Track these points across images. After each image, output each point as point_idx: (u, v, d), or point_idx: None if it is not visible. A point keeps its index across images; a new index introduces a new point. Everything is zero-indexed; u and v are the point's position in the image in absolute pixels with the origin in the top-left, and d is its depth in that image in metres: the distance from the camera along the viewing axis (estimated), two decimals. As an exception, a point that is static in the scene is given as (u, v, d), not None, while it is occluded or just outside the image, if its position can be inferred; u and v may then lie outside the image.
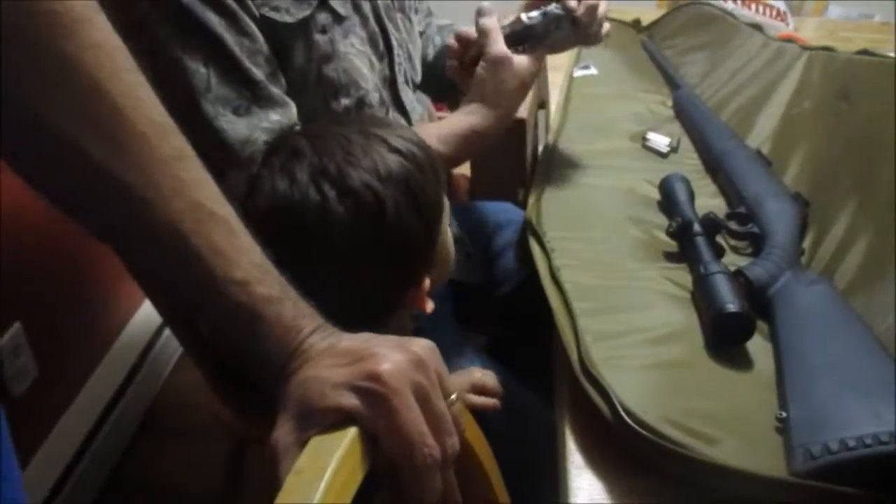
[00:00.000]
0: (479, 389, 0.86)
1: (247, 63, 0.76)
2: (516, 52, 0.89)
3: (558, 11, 0.89)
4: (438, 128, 0.90)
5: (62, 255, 1.43)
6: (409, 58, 1.00)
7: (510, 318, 1.17)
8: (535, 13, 0.90)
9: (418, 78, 1.04)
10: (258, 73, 0.77)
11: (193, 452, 1.55)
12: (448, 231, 0.79)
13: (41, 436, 1.38)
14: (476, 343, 1.12)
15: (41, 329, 1.35)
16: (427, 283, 0.75)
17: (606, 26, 0.94)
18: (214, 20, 0.74)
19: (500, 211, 1.30)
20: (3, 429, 0.47)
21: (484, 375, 0.87)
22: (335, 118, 0.82)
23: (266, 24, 0.78)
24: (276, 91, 0.79)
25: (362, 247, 0.68)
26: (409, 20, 1.03)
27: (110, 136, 0.44)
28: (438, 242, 0.75)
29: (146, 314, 1.73)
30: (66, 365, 1.45)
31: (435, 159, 0.74)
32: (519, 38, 0.90)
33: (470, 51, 0.94)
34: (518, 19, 0.91)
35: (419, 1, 1.09)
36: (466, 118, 0.89)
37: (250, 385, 0.97)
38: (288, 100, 0.81)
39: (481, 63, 0.89)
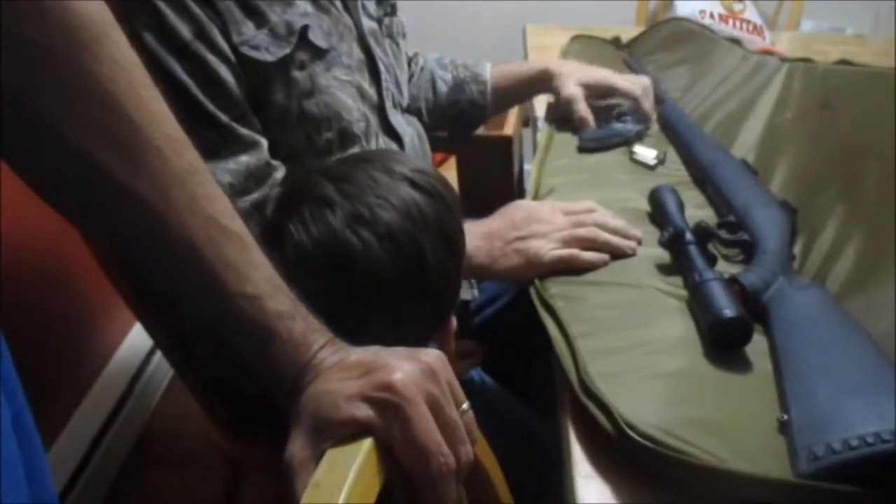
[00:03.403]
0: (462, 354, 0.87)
1: (212, 108, 0.76)
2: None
3: (629, 131, 1.08)
4: None
5: (48, 283, 1.42)
6: (397, 82, 1.01)
7: (501, 334, 1.17)
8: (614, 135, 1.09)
9: (405, 102, 1.05)
10: (224, 117, 0.77)
11: (186, 480, 1.52)
12: None
13: (30, 468, 1.36)
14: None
15: (28, 358, 1.32)
16: (454, 321, 0.76)
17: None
18: (177, 67, 0.74)
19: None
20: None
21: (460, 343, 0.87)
22: (358, 155, 0.80)
23: (245, 62, 0.79)
24: (245, 132, 0.79)
25: (405, 289, 0.68)
26: (397, 44, 1.05)
27: (126, 151, 0.44)
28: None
29: (134, 342, 1.71)
30: (54, 395, 1.43)
31: (453, 192, 0.73)
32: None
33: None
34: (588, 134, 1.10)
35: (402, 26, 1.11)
36: None
37: (243, 408, 0.98)
38: (258, 139, 0.81)
39: None
